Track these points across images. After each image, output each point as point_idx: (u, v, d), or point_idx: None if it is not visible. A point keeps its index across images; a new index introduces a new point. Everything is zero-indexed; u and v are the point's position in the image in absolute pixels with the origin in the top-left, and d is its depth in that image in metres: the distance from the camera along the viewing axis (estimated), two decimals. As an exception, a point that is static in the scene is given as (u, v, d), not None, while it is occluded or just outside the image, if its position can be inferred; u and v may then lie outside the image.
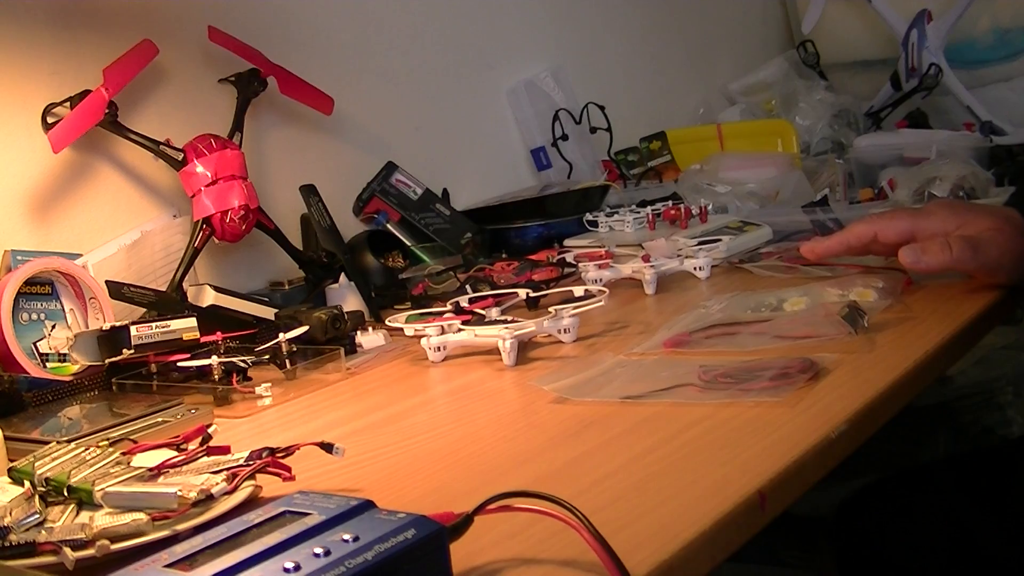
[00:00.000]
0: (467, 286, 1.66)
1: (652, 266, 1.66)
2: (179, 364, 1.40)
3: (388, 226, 1.96)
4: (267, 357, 1.40)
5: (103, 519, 0.93)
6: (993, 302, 1.40)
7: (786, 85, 2.84)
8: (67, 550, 0.87)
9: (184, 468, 1.02)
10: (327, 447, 1.01)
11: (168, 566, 0.72)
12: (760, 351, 1.27)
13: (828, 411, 1.06)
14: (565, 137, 2.40)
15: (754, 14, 3.27)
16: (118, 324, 1.40)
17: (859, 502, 1.73)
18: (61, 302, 1.49)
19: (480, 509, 0.82)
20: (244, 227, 1.65)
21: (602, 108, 2.46)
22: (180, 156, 1.63)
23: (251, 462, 1.00)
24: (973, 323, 1.34)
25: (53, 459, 1.04)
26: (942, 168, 1.98)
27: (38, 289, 1.47)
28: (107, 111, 1.58)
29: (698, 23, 3.02)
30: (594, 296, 1.47)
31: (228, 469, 0.99)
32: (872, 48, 2.96)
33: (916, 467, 1.96)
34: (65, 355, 1.45)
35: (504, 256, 1.86)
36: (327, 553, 0.71)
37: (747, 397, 1.12)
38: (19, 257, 1.49)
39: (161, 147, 1.64)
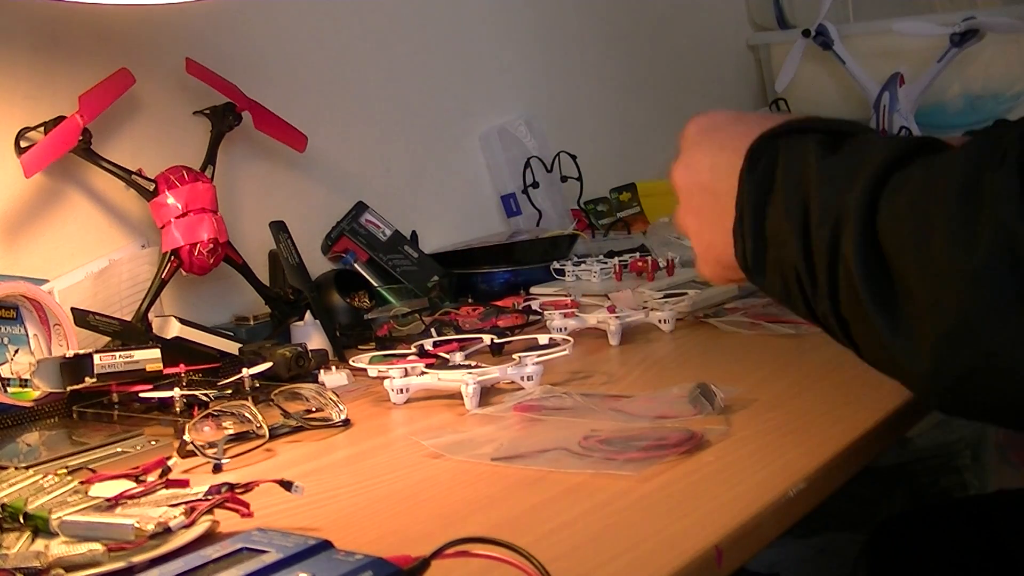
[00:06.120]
0: (432, 329, 1.66)
1: (617, 317, 1.66)
2: (141, 395, 1.40)
3: (356, 266, 1.96)
4: (229, 392, 1.40)
5: (59, 548, 0.92)
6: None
7: (757, 142, 2.86)
8: (21, 578, 0.86)
9: (142, 500, 1.02)
10: (286, 485, 1.00)
11: (123, 598, 0.72)
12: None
13: (787, 469, 1.07)
14: (536, 184, 2.41)
15: (728, 71, 3.30)
16: (81, 352, 1.40)
17: (890, 534, 1.63)
18: (25, 327, 1.48)
19: (438, 553, 0.82)
20: (212, 260, 1.65)
21: (574, 157, 2.47)
22: (151, 186, 1.63)
23: (210, 497, 0.99)
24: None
25: (10, 485, 1.04)
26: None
27: (3, 313, 1.47)
28: (81, 138, 1.58)
29: (673, 77, 3.05)
30: (558, 345, 1.47)
31: (186, 503, 0.99)
32: (844, 109, 2.99)
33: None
34: (27, 380, 1.44)
35: (470, 301, 1.86)
36: (284, 591, 0.71)
37: (609, 468, 1.09)
38: (-15, 281, 1.49)
39: (133, 176, 1.64)
